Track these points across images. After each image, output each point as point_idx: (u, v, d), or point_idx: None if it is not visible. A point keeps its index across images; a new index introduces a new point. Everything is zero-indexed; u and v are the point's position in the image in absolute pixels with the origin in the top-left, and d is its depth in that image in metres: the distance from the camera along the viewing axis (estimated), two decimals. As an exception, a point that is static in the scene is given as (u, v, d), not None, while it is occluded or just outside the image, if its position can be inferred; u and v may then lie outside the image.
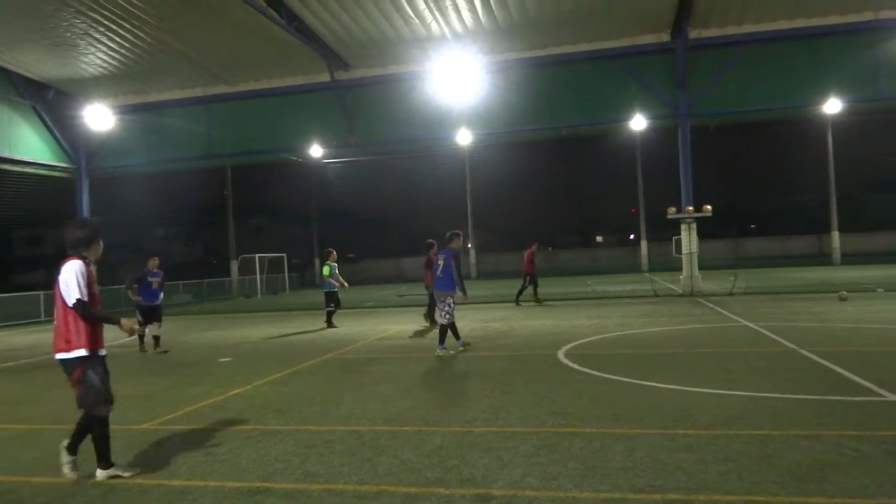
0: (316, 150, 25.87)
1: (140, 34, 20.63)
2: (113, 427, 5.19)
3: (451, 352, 10.58)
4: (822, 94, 21.28)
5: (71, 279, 4.81)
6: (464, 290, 10.39)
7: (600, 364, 8.88)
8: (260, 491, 4.58)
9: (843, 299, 16.42)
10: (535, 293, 19.71)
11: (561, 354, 9.91)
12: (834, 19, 20.12)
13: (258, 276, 33.93)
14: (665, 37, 21.19)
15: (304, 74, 24.10)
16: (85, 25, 19.80)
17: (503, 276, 38.74)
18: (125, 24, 19.94)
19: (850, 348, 9.42)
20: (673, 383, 7.45)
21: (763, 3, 19.48)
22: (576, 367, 8.82)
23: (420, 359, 10.31)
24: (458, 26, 20.63)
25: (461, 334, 11.03)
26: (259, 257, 34.34)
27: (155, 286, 12.62)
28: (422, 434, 5.83)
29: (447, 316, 10.49)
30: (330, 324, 15.79)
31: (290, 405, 7.28)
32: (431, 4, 19.24)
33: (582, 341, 11.32)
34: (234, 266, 38.09)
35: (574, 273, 41.65)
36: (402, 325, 15.73)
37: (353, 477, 4.78)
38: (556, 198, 53.70)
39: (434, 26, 20.58)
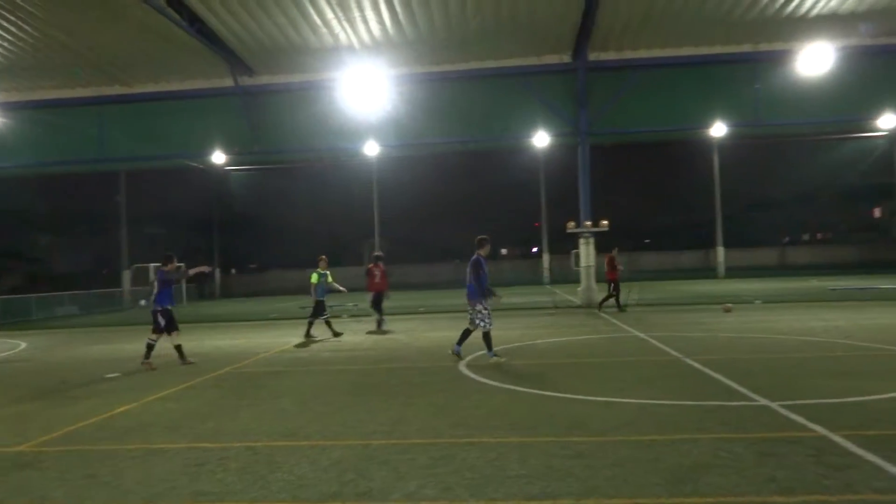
0: (218, 157, 25.09)
1: (26, 27, 19.35)
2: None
3: (498, 358, 10.17)
4: (709, 119, 22.84)
5: None
6: (484, 294, 10.20)
7: (500, 375, 9.07)
8: (144, 513, 4.37)
9: (727, 311, 17.50)
10: (618, 300, 18.94)
11: (462, 366, 10.04)
12: (718, 49, 21.64)
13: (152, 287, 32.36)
14: (566, 58, 22.07)
15: (205, 78, 23.34)
16: (-39, 15, 18.38)
17: (410, 288, 38.80)
18: (9, 17, 18.66)
19: (729, 357, 10.07)
20: (568, 392, 7.71)
21: (655, 30, 20.67)
22: (476, 378, 8.96)
23: (321, 371, 10.16)
24: (366, 38, 20.63)
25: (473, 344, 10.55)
26: (154, 267, 32.73)
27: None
28: (319, 448, 5.75)
29: (479, 324, 10.28)
30: (312, 334, 14.85)
31: (182, 422, 6.99)
32: (340, 14, 19.16)
33: (484, 352, 11.48)
34: (126, 276, 36.14)
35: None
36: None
37: (245, 494, 4.65)
38: (463, 210, 54.36)
39: (342, 36, 20.50)
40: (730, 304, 18.25)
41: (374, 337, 14.67)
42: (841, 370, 8.59)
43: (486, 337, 10.29)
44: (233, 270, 53.32)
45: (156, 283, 11.50)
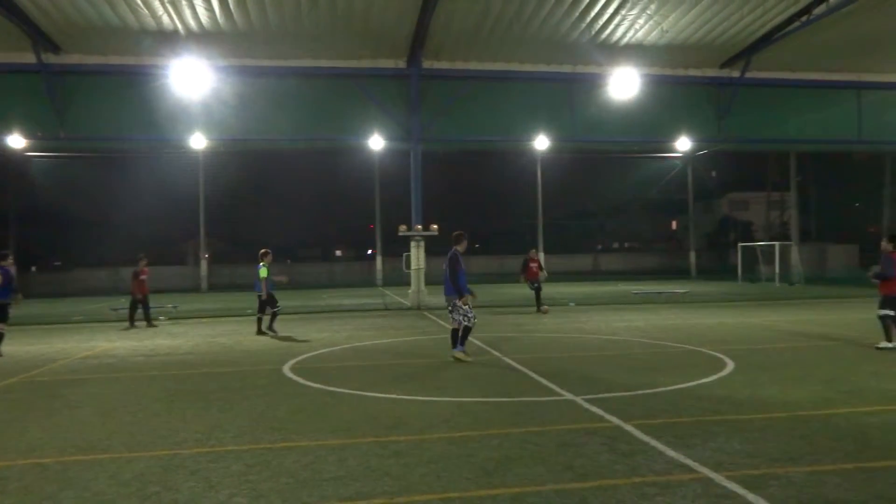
0: (16, 141, 22.39)
1: None
2: None
3: (470, 358, 9.98)
4: (532, 132, 24.33)
5: None
6: (459, 292, 9.84)
7: (325, 377, 8.98)
8: None
9: (544, 313, 18.70)
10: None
11: (287, 369, 9.81)
12: (541, 67, 23.12)
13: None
14: (401, 63, 22.38)
15: (1, 51, 20.71)
16: None
17: (238, 289, 37.15)
18: None
19: (544, 355, 10.79)
20: (391, 393, 7.82)
21: (484, 45, 21.63)
22: (300, 380, 8.81)
23: (131, 378, 9.42)
24: (193, 24, 19.50)
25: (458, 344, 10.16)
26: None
27: None
28: (121, 461, 5.34)
29: (463, 320, 9.91)
30: (264, 329, 14.87)
31: (-45, 439, 6.15)
32: (163, -4, 17.93)
33: (310, 355, 11.34)
34: None
35: (312, 286, 41.54)
36: (114, 341, 14.23)
37: (28, 516, 4.20)
38: (297, 210, 53.10)
39: (166, 19, 19.19)
40: (546, 307, 19.50)
41: (194, 340, 13.90)
42: (637, 366, 9.53)
43: (466, 331, 10.07)
44: (33, 268, 47.76)
45: None
